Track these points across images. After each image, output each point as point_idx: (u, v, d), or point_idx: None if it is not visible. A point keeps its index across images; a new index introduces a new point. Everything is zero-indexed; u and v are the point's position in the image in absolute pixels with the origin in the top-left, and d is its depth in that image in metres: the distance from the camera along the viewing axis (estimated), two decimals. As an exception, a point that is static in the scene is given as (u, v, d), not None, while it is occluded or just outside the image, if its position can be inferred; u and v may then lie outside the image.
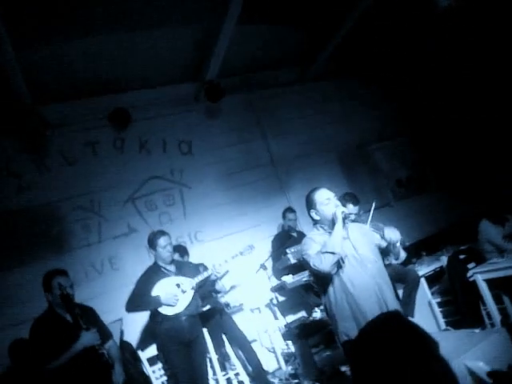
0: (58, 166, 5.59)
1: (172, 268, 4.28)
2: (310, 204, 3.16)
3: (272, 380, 5.22)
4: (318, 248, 2.97)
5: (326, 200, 3.07)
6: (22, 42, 4.54)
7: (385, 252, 3.21)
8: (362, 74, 7.55)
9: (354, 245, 3.05)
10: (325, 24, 6.26)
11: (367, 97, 7.61)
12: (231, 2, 5.02)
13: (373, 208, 4.74)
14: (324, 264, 2.88)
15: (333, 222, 3.01)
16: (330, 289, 3.03)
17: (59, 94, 5.52)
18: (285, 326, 5.20)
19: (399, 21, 6.39)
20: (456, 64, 7.04)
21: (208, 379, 4.31)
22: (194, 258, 5.36)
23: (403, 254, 3.32)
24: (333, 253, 2.88)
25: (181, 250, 5.34)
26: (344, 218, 2.99)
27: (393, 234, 3.12)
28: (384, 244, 3.15)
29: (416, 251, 6.02)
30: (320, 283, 3.15)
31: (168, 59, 5.88)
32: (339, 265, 2.95)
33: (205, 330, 4.88)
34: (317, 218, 3.12)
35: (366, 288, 2.95)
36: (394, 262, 3.32)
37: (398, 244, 3.17)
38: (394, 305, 2.98)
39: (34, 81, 5.05)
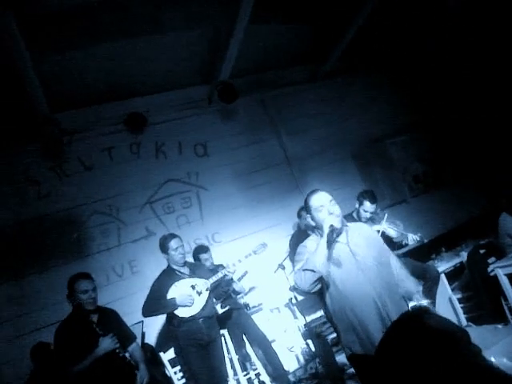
0: (75, 172, 5.68)
1: (186, 270, 4.30)
2: (306, 209, 2.99)
3: (293, 380, 5.22)
4: (303, 263, 2.80)
5: (320, 206, 2.84)
6: (39, 52, 4.61)
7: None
8: (375, 70, 7.50)
9: (353, 250, 2.83)
10: (336, 22, 6.24)
11: (380, 92, 7.54)
12: (242, 2, 5.04)
13: (385, 219, 4.75)
14: (303, 282, 2.73)
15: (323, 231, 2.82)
16: (328, 298, 2.87)
17: (75, 101, 5.60)
18: (304, 325, 5.19)
19: (410, 17, 6.33)
20: (469, 58, 6.97)
21: (227, 381, 4.33)
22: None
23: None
24: (313, 271, 2.71)
25: (202, 248, 5.38)
26: (331, 233, 2.78)
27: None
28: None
29: (435, 247, 5.97)
30: (318, 293, 2.95)
31: (181, 62, 5.92)
32: (325, 283, 2.80)
33: (225, 331, 4.91)
34: (313, 223, 2.93)
35: (364, 298, 2.73)
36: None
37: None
38: (398, 313, 2.69)
39: (51, 89, 5.13)
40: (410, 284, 2.87)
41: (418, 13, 6.19)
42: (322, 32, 6.50)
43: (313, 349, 5.25)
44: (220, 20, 5.46)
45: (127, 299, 4.99)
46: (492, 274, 4.57)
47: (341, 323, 2.83)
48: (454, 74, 7.25)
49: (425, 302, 2.74)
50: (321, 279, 2.76)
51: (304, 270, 2.73)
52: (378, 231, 4.48)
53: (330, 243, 2.80)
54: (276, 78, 6.95)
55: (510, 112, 6.62)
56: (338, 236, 2.87)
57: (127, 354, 3.76)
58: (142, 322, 4.72)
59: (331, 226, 2.76)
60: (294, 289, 2.96)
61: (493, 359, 2.52)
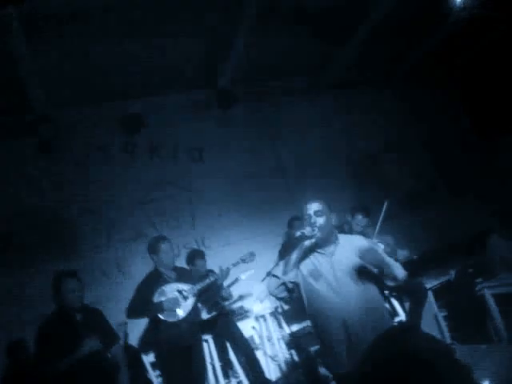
0: (68, 169, 5.67)
1: (173, 274, 4.28)
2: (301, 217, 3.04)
3: (274, 389, 5.19)
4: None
5: (306, 215, 2.90)
6: (38, 48, 4.62)
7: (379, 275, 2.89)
8: (375, 85, 7.54)
9: (334, 263, 2.83)
10: (337, 35, 6.28)
11: (378, 107, 7.58)
12: (245, 11, 5.07)
13: (384, 210, 4.65)
14: (269, 287, 2.84)
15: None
16: (307, 310, 2.91)
17: (73, 99, 5.59)
18: (289, 334, 5.18)
19: (411, 33, 6.38)
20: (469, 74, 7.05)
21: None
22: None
23: (401, 274, 2.89)
24: (277, 277, 2.77)
25: (199, 253, 5.38)
26: (300, 239, 2.80)
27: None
28: (374, 269, 2.84)
29: (424, 264, 5.97)
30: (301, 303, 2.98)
31: (180, 66, 5.92)
32: (304, 283, 2.83)
33: (209, 337, 4.89)
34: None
35: (334, 314, 2.73)
36: (391, 284, 2.92)
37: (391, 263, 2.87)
38: (367, 335, 2.58)
39: (48, 86, 5.13)
40: (398, 271, 2.86)
41: (419, 29, 6.24)
42: (323, 44, 6.53)
43: (296, 359, 5.23)
44: (222, 28, 5.47)
45: (112, 299, 4.96)
46: (479, 293, 4.59)
47: (317, 335, 2.90)
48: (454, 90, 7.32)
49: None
50: (287, 288, 2.80)
51: (272, 275, 2.84)
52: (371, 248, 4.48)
53: (301, 251, 2.83)
54: (276, 86, 6.96)
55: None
56: (320, 246, 2.88)
57: (110, 355, 3.74)
58: (126, 323, 4.69)
59: (302, 232, 2.79)
60: (275, 298, 3.00)
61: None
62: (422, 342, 1.41)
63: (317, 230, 2.82)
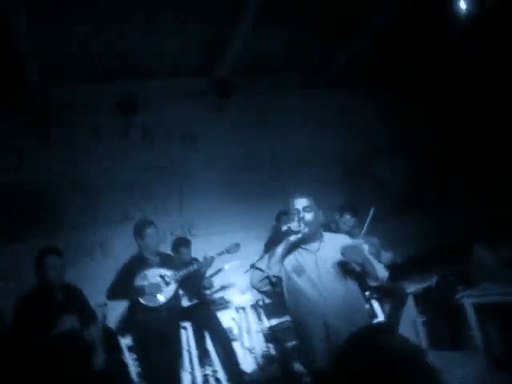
0: (59, 146, 5.64)
1: (156, 259, 4.27)
2: (288, 212, 3.05)
3: (248, 381, 5.20)
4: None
5: (293, 210, 2.91)
6: (38, 22, 4.55)
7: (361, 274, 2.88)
8: (373, 87, 7.54)
9: (318, 260, 2.84)
10: (340, 35, 6.27)
11: (376, 109, 7.59)
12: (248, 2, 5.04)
13: (370, 215, 4.68)
14: (252, 280, 2.83)
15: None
16: (288, 304, 2.90)
17: (69, 76, 5.56)
18: (268, 328, 5.19)
19: (415, 36, 6.38)
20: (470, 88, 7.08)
21: (180, 374, 4.28)
22: (185, 251, 5.35)
23: (383, 274, 2.94)
24: (261, 270, 2.77)
25: (185, 241, 5.36)
26: (287, 234, 2.80)
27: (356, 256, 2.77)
28: (357, 268, 2.82)
29: (406, 268, 6.00)
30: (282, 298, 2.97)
31: (181, 51, 5.87)
32: (287, 278, 2.83)
33: (188, 324, 4.89)
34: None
35: (315, 311, 2.73)
36: (373, 284, 2.93)
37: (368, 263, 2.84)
38: (346, 335, 2.47)
39: (45, 61, 5.08)
40: (380, 271, 2.89)
41: (420, 31, 6.23)
42: (326, 42, 6.51)
43: (273, 353, 5.25)
44: (225, 17, 5.42)
45: (94, 279, 4.91)
46: (459, 302, 4.62)
47: (297, 331, 2.89)
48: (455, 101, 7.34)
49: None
50: (271, 282, 2.80)
51: (256, 268, 2.82)
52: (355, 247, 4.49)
53: (287, 246, 2.83)
54: (276, 80, 6.93)
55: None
56: (306, 241, 2.89)
57: (87, 335, 3.73)
58: (106, 304, 4.66)
59: (288, 227, 2.81)
60: (258, 292, 2.98)
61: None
62: (395, 342, 1.42)
63: (304, 225, 2.83)
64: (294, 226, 2.81)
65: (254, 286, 2.85)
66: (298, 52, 6.59)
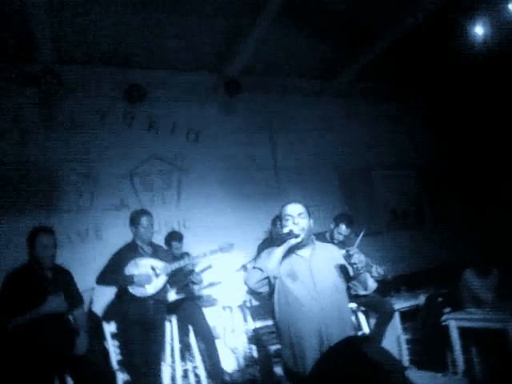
0: (64, 127, 5.61)
1: (149, 249, 4.27)
2: (279, 217, 3.04)
3: (228, 380, 5.20)
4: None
5: (288, 216, 2.90)
6: (53, 2, 4.56)
7: (351, 279, 2.91)
8: (382, 100, 7.59)
9: (313, 268, 2.84)
10: (353, 45, 6.30)
11: (383, 122, 7.64)
12: (268, 2, 5.06)
13: (361, 235, 4.73)
14: (250, 280, 2.73)
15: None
16: (277, 307, 2.85)
17: (80, 58, 5.55)
18: (253, 330, 5.20)
19: (426, 51, 6.40)
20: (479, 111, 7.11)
21: (161, 367, 4.28)
22: (178, 244, 5.36)
23: (372, 285, 3.07)
24: (261, 270, 2.73)
25: (177, 236, 5.37)
26: (288, 236, 2.81)
27: (357, 258, 2.79)
28: (351, 272, 2.85)
29: (396, 285, 6.03)
30: (270, 301, 2.93)
31: (194, 46, 5.87)
32: (281, 283, 2.79)
33: (173, 318, 4.89)
34: (281, 231, 2.96)
35: (309, 318, 2.71)
36: (361, 292, 2.96)
37: (363, 271, 2.85)
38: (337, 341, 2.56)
39: (58, 39, 5.08)
40: (370, 281, 2.95)
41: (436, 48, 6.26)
42: (338, 51, 6.54)
43: (255, 355, 5.25)
44: (243, 16, 5.44)
45: (84, 263, 4.89)
46: (444, 323, 4.64)
47: (282, 336, 2.82)
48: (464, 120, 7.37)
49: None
50: (269, 283, 2.76)
51: (254, 267, 2.77)
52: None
53: (286, 249, 2.82)
54: (285, 84, 6.96)
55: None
56: (298, 247, 2.89)
57: (71, 318, 3.73)
58: (94, 289, 4.66)
59: (290, 230, 2.82)
60: (250, 292, 2.93)
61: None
62: (376, 354, 1.44)
63: (305, 232, 2.86)
64: (295, 229, 2.82)
65: (250, 286, 2.75)
66: (310, 58, 6.61)
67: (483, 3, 5.03)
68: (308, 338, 2.66)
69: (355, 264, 2.76)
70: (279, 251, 2.80)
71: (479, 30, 4.88)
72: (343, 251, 2.88)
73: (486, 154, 7.26)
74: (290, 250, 2.88)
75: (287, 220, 2.90)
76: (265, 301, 4.40)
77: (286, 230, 2.84)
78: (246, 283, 2.78)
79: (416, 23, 5.56)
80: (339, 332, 2.68)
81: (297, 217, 2.90)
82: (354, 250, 2.79)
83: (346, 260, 2.82)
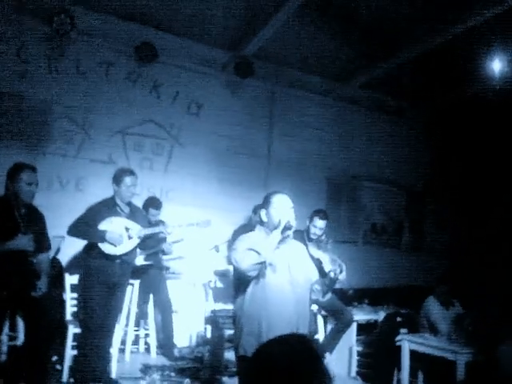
0: (67, 71, 5.50)
1: (126, 209, 4.22)
2: (264, 203, 3.00)
3: (176, 355, 5.23)
4: (247, 246, 2.81)
5: (280, 205, 2.93)
6: None
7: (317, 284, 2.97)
8: (385, 112, 7.62)
9: (290, 262, 2.89)
10: (369, 53, 6.30)
11: (382, 135, 7.67)
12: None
13: (328, 248, 4.79)
14: (245, 262, 2.71)
15: (275, 228, 2.87)
16: (248, 295, 2.84)
17: (98, 5, 5.45)
18: (211, 311, 5.22)
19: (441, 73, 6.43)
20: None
21: (114, 328, 4.27)
22: (157, 213, 5.34)
23: (329, 294, 3.07)
24: (258, 253, 2.73)
25: (156, 203, 5.34)
26: (286, 228, 2.85)
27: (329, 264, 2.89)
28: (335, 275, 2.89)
29: (360, 296, 6.10)
30: (238, 288, 2.91)
31: (214, 18, 5.78)
32: (261, 273, 2.78)
33: (137, 282, 4.88)
34: (265, 219, 2.96)
35: (285, 311, 2.75)
36: (320, 298, 2.99)
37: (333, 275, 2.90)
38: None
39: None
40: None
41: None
42: (354, 55, 6.53)
43: (208, 335, 5.28)
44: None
45: (59, 211, 4.82)
46: (398, 343, 4.69)
47: (248, 324, 2.81)
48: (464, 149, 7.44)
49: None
50: (261, 268, 2.76)
51: (249, 249, 2.74)
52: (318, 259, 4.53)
53: (282, 238, 2.86)
54: (295, 77, 6.94)
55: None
56: (284, 240, 2.90)
57: (35, 260, 3.69)
58: (63, 237, 4.62)
59: (288, 221, 2.85)
60: (237, 274, 2.90)
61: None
62: (305, 361, 1.42)
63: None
64: (292, 221, 2.87)
65: (243, 268, 2.73)
66: (324, 56, 6.59)
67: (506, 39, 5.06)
68: (281, 330, 2.54)
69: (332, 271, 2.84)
70: (276, 238, 2.82)
71: (496, 65, 4.90)
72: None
73: (474, 187, 7.35)
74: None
75: (279, 210, 2.91)
76: (230, 285, 4.42)
77: (286, 221, 2.84)
78: (237, 265, 2.77)
79: (438, 46, 5.56)
80: (307, 327, 2.79)
81: (289, 208, 2.94)
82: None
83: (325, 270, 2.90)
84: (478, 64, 5.32)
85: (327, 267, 3.01)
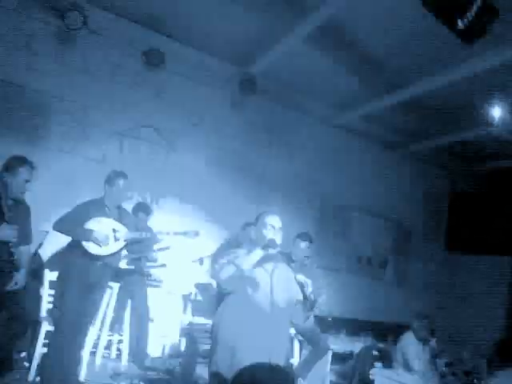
0: (72, 66, 5.53)
1: (115, 212, 4.18)
2: (256, 222, 3.08)
3: (148, 364, 5.14)
4: (229, 259, 2.86)
5: (269, 226, 2.96)
6: None
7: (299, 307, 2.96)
8: (384, 146, 7.69)
9: (273, 281, 2.87)
10: (374, 87, 6.38)
11: (378, 168, 7.74)
12: (307, 20, 5.09)
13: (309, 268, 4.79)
14: (222, 273, 2.77)
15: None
16: (224, 310, 2.87)
17: (112, 5, 5.51)
18: (189, 323, 5.16)
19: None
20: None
21: (88, 330, 4.19)
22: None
23: (311, 319, 3.11)
24: (236, 266, 2.76)
25: (145, 209, 5.31)
26: (269, 246, 2.87)
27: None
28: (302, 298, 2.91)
29: (338, 326, 6.07)
30: (218, 302, 2.95)
31: (225, 32, 5.79)
32: (242, 289, 2.80)
33: (116, 286, 4.81)
34: (253, 236, 3.06)
35: (262, 331, 2.74)
36: (300, 322, 3.02)
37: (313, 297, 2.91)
38: (279, 360, 2.66)
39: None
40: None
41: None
42: (359, 86, 6.60)
43: (182, 348, 5.21)
44: (283, 20, 5.41)
45: (46, 206, 4.78)
46: (371, 376, 4.67)
47: (224, 340, 2.80)
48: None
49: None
50: (235, 282, 2.76)
51: (229, 263, 2.79)
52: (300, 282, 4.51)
53: (264, 255, 2.87)
54: (295, 100, 7.00)
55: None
56: (266, 259, 2.90)
57: (15, 252, 3.64)
58: (48, 232, 4.55)
59: (273, 239, 2.90)
60: (216, 286, 2.92)
61: None
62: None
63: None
64: (278, 240, 2.91)
65: (221, 279, 2.77)
66: (329, 84, 6.64)
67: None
68: (255, 350, 2.62)
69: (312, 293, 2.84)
70: (257, 255, 2.85)
71: (497, 112, 4.98)
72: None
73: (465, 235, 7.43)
74: (260, 259, 2.89)
75: (268, 229, 2.95)
76: (210, 299, 4.37)
77: (270, 238, 2.88)
78: (216, 276, 2.82)
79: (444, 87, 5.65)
80: (284, 350, 2.76)
81: (278, 229, 2.98)
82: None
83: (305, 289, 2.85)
84: (478, 108, 5.39)
85: (309, 291, 2.99)
